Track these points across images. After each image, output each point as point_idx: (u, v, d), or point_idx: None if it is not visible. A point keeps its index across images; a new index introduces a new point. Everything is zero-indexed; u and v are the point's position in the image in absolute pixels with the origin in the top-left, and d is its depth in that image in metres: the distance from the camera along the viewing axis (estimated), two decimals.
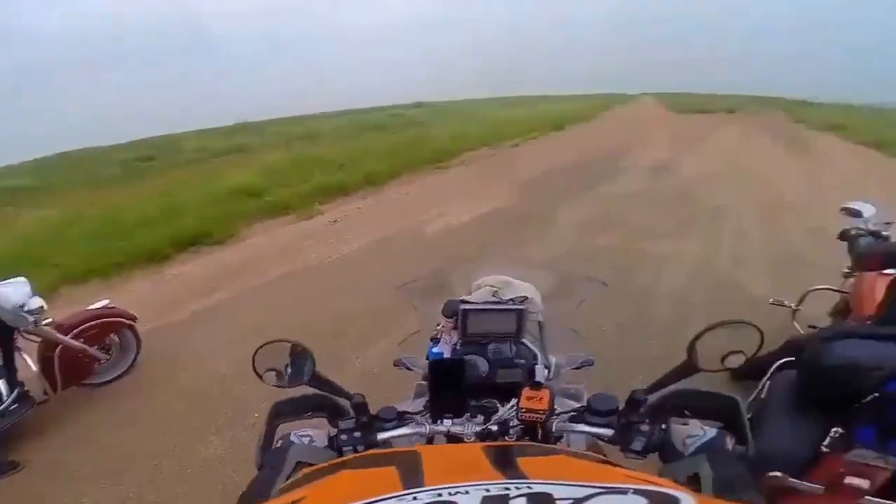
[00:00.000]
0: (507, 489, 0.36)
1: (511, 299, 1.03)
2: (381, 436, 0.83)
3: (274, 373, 0.81)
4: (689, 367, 0.82)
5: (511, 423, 0.86)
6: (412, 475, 0.43)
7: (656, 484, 0.37)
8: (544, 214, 6.16)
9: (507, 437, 0.86)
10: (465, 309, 0.98)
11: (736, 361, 0.80)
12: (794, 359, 2.10)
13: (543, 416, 0.83)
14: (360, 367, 3.06)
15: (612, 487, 0.36)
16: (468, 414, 0.89)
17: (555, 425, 0.87)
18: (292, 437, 0.77)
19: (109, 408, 2.88)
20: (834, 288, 2.74)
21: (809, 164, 10.23)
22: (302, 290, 4.28)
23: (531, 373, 1.05)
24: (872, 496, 1.54)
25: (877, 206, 2.40)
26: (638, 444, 0.80)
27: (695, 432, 0.80)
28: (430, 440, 0.89)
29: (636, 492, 0.35)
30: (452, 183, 8.54)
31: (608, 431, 0.83)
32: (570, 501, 0.34)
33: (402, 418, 0.87)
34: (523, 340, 1.11)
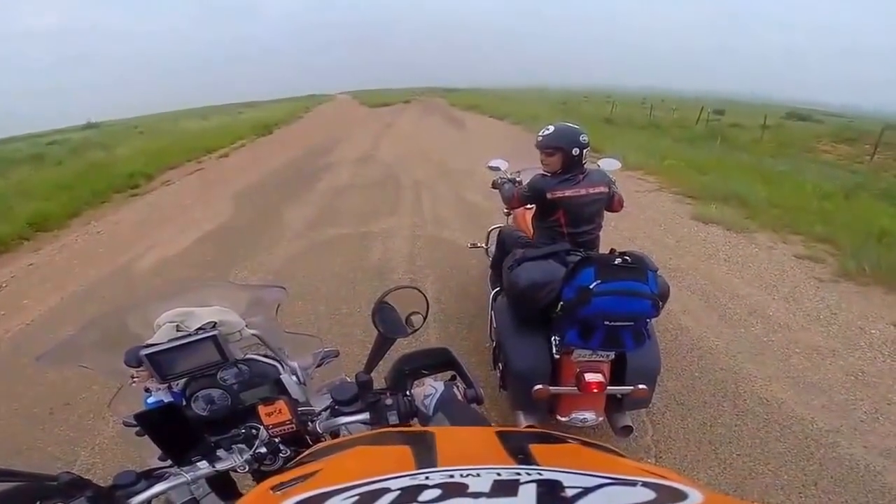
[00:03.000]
0: (518, 474, 0.35)
1: (200, 328, 0.91)
2: (135, 500, 0.68)
3: None
4: (382, 338, 0.83)
5: (273, 440, 0.79)
6: (425, 455, 0.42)
7: (666, 478, 0.36)
8: (271, 220, 5.79)
9: (279, 455, 0.80)
10: (148, 354, 0.85)
11: (417, 322, 0.85)
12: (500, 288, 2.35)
13: (293, 425, 0.78)
14: None
15: (621, 479, 0.35)
16: (221, 449, 0.79)
17: (319, 426, 0.83)
18: None
19: None
20: (503, 225, 3.21)
21: (460, 131, 14.67)
22: None
23: (279, 385, 0.96)
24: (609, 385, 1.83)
25: (507, 160, 2.92)
26: (393, 418, 0.79)
27: (428, 391, 0.81)
28: (202, 485, 0.78)
29: (645, 484, 0.34)
30: (155, 209, 7.06)
31: (364, 415, 0.81)
32: (580, 490, 0.32)
33: (149, 476, 0.73)
34: (253, 357, 1.00)
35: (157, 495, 0.72)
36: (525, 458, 0.40)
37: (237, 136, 15.26)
